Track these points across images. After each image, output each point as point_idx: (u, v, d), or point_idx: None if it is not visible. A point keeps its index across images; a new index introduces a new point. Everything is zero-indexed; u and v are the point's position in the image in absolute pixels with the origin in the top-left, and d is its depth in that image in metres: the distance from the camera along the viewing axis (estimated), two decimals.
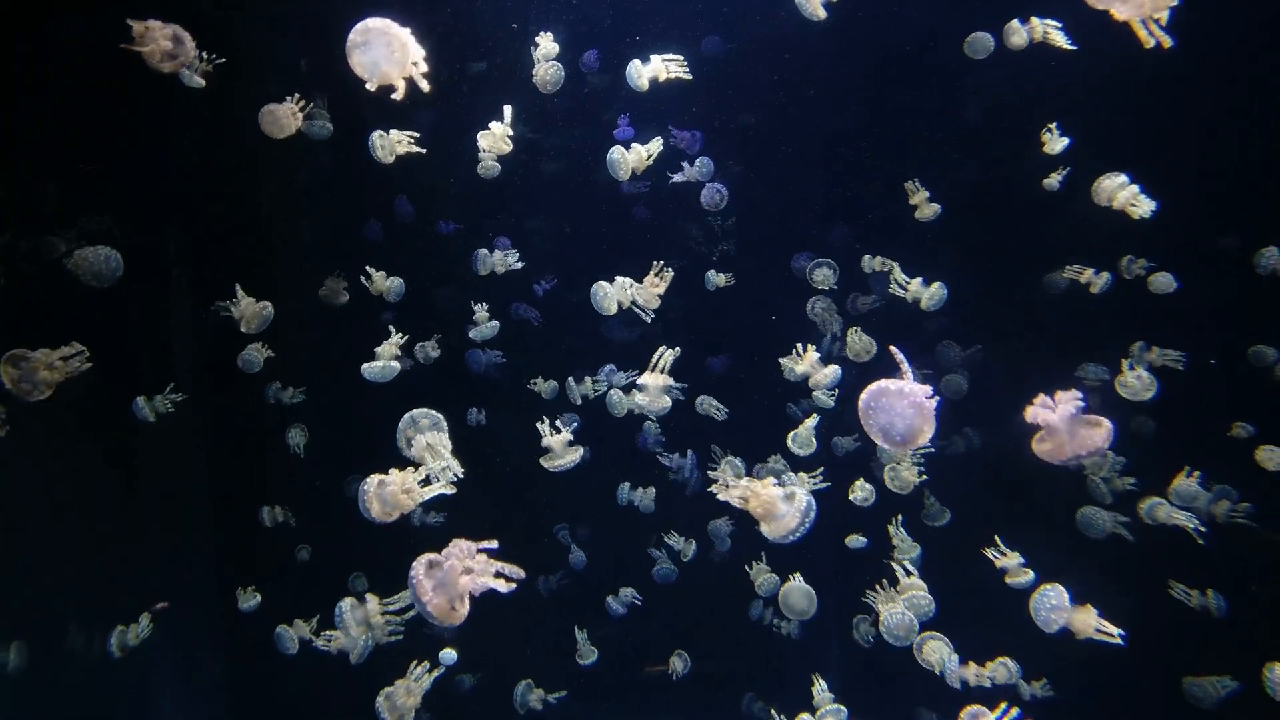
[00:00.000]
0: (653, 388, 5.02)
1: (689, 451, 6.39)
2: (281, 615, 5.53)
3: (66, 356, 4.04)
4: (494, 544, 3.32)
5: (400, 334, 5.51)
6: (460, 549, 3.32)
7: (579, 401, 6.16)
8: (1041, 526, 5.32)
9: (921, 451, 5.48)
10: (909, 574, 4.75)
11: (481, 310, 6.05)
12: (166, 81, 4.28)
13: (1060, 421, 3.71)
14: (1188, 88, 5.06)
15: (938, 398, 3.67)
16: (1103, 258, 5.55)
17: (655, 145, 5.42)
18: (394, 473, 3.67)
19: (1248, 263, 5.30)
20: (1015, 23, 4.88)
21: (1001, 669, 4.69)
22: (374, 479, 3.67)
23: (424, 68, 3.96)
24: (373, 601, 4.21)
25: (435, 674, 4.15)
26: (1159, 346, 5.59)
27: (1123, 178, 4.77)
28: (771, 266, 6.28)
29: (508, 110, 5.28)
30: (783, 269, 6.21)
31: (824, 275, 6.05)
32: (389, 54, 3.91)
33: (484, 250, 6.07)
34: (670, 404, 5.24)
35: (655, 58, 5.16)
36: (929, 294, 5.39)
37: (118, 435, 5.65)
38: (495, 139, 5.34)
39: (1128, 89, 5.29)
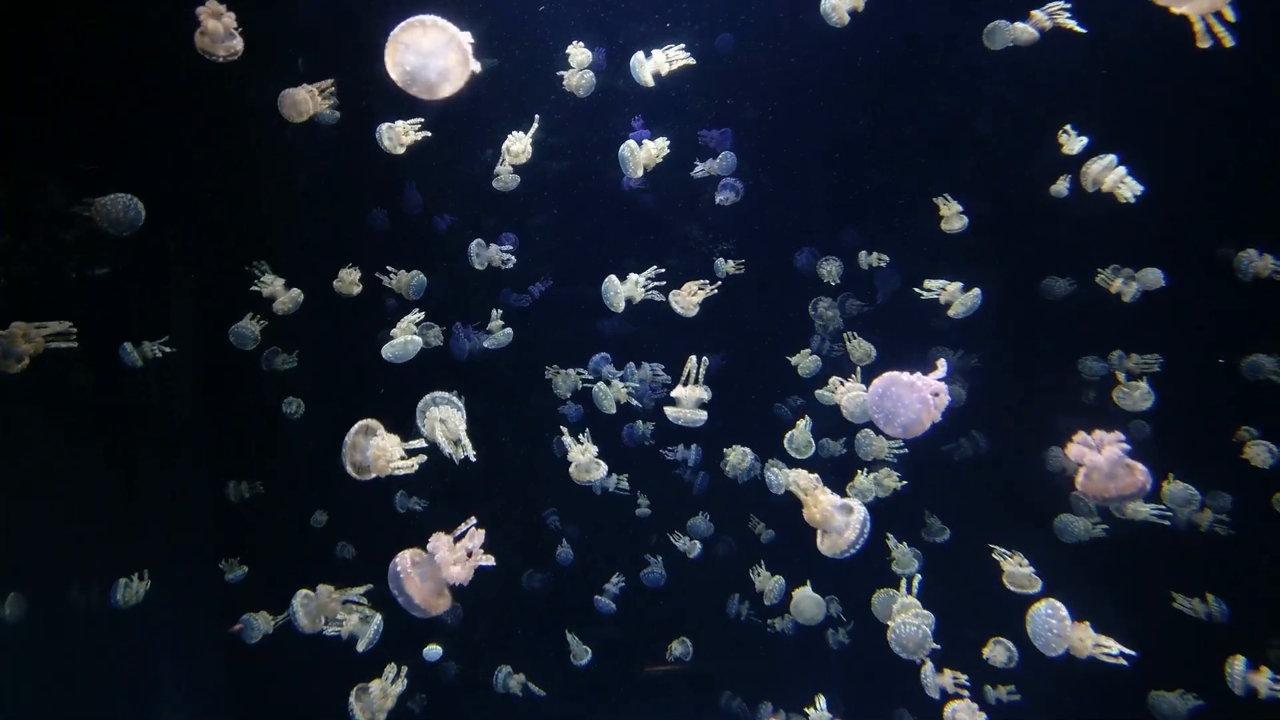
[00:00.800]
0: (687, 400, 4.70)
1: (693, 445, 6.38)
2: (277, 593, 5.52)
3: (51, 334, 3.95)
4: (473, 520, 3.29)
5: (418, 310, 5.18)
6: (444, 542, 3.30)
7: (569, 396, 6.16)
8: (1033, 531, 5.30)
9: (897, 453, 5.46)
10: (910, 592, 4.69)
11: (496, 318, 6.03)
12: (165, 78, 4.30)
13: (1105, 463, 3.57)
14: (1192, 86, 5.00)
15: (948, 399, 3.65)
16: (1105, 261, 5.50)
17: (663, 143, 5.34)
18: (384, 435, 3.58)
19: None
20: (1019, 24, 4.84)
21: (1000, 650, 4.68)
22: (360, 426, 3.57)
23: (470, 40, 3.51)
24: (325, 591, 4.19)
25: (406, 669, 4.13)
26: (1136, 353, 5.54)
27: (1110, 159, 4.68)
28: (773, 265, 6.27)
29: (536, 120, 5.16)
30: (785, 267, 6.20)
31: (829, 271, 6.02)
32: (442, 67, 3.44)
33: (479, 242, 6.06)
34: (705, 417, 4.78)
35: (657, 51, 5.10)
36: (964, 299, 5.20)
37: (115, 418, 5.71)
38: (516, 153, 5.27)
39: (1132, 87, 5.24)
